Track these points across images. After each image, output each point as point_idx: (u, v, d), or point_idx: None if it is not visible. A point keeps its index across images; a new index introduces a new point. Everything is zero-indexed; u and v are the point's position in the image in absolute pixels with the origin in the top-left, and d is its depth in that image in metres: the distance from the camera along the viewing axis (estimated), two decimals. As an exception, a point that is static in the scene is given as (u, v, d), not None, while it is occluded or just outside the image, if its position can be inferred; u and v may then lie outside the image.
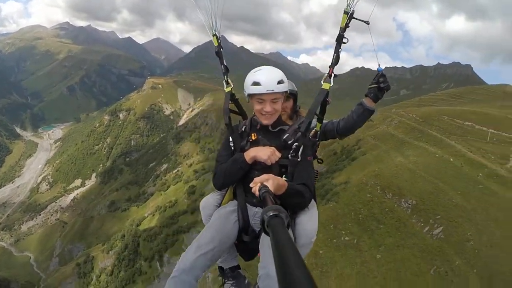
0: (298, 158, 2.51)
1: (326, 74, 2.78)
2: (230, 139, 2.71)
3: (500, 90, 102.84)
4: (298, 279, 0.75)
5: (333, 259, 30.18)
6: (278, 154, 2.46)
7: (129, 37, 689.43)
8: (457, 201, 31.97)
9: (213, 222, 2.56)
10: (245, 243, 2.65)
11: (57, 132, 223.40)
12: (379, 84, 2.85)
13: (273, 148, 2.47)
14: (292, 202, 2.37)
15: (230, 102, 3.03)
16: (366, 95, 2.96)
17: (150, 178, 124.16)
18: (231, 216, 2.60)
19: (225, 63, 3.12)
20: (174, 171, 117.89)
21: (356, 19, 2.66)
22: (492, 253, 25.65)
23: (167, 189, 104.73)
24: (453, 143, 47.43)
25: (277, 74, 2.52)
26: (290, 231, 2.33)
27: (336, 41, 2.73)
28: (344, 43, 2.71)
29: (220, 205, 2.78)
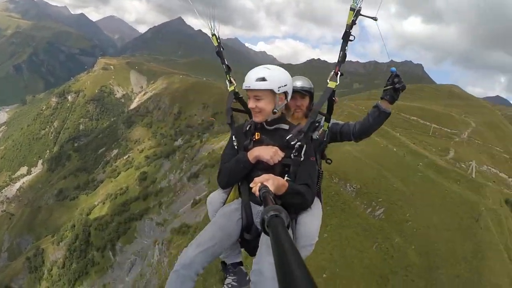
0: (301, 157, 2.53)
1: (332, 73, 2.74)
2: (233, 138, 2.74)
3: (447, 89, 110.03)
4: (298, 279, 0.75)
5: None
6: (281, 154, 2.49)
7: (82, 13, 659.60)
8: (398, 186, 34.67)
9: (216, 219, 2.62)
10: (248, 241, 2.65)
11: (2, 115, 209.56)
12: (394, 85, 2.84)
13: (276, 147, 2.50)
14: (293, 202, 2.40)
15: (234, 101, 3.04)
16: (382, 98, 2.95)
17: (100, 165, 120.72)
18: (235, 214, 2.63)
19: (226, 62, 3.12)
20: (124, 157, 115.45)
21: (364, 15, 2.65)
22: (429, 233, 28.42)
23: (117, 176, 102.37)
24: (397, 135, 50.71)
25: (261, 71, 2.54)
26: (290, 232, 2.42)
27: (342, 38, 2.70)
28: (351, 40, 2.68)
29: (225, 202, 2.82)
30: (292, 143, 2.50)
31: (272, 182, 2.06)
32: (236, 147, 2.71)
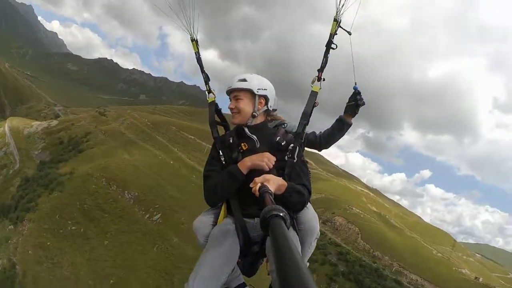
0: (295, 159, 2.53)
1: (315, 77, 2.80)
2: (220, 152, 2.67)
3: (226, 118, 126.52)
4: (298, 279, 0.75)
5: (63, 250, 29.51)
6: (273, 158, 2.45)
7: None
8: (174, 194, 38.44)
9: (212, 245, 2.46)
10: (246, 257, 2.58)
11: None
12: (357, 101, 3.05)
13: (267, 153, 2.47)
14: (293, 202, 2.37)
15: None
16: (345, 112, 3.16)
17: None
18: (230, 235, 2.50)
19: (205, 71, 3.04)
20: None
21: (342, 28, 2.78)
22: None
23: None
24: (175, 150, 55.87)
25: (244, 75, 2.62)
26: (293, 231, 2.45)
27: (325, 46, 2.79)
28: (333, 48, 2.78)
29: (215, 224, 2.68)
30: (283, 144, 2.55)
31: (272, 182, 2.09)
32: (223, 162, 2.62)
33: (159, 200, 36.85)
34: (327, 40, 2.79)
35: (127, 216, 34.50)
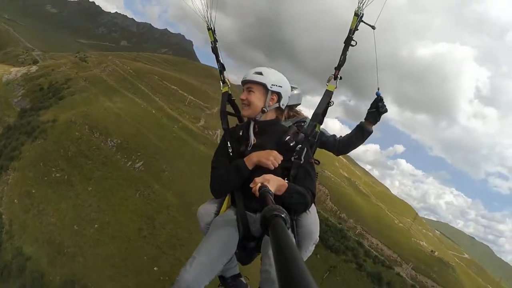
0: (301, 160, 2.49)
1: (331, 76, 2.75)
2: (228, 144, 2.64)
3: (208, 70, 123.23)
4: (297, 279, 0.74)
5: (47, 197, 30.77)
6: (280, 157, 2.41)
7: None
8: (155, 142, 39.51)
9: (211, 233, 2.48)
10: (244, 250, 2.62)
11: None
12: (379, 108, 2.93)
13: (275, 151, 2.43)
14: (293, 203, 2.34)
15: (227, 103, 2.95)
16: (365, 119, 3.04)
17: None
18: (231, 226, 2.52)
19: (221, 60, 3.04)
20: None
21: (364, 22, 2.68)
22: (182, 180, 34.75)
23: None
24: (157, 99, 56.03)
25: (261, 68, 2.58)
26: (290, 233, 1.90)
27: (344, 42, 2.70)
28: (353, 45, 2.70)
29: (218, 213, 2.70)
30: (291, 144, 2.49)
31: (272, 182, 2.07)
32: (230, 153, 2.60)
33: (141, 148, 37.72)
34: (346, 36, 2.67)
35: (110, 163, 35.40)
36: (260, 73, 2.51)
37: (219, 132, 59.58)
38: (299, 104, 3.27)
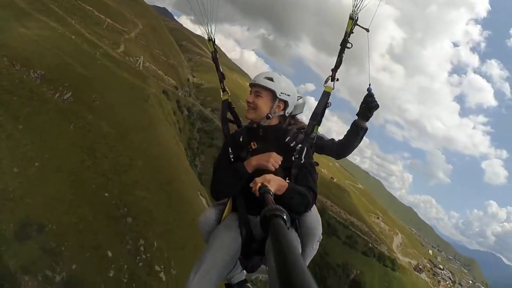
0: (302, 160, 2.50)
1: (329, 77, 2.78)
2: (230, 150, 2.66)
3: None
4: (298, 279, 0.74)
5: (-22, 142, 29.09)
6: (279, 158, 2.45)
7: None
8: (81, 71, 37.74)
9: (214, 241, 2.49)
10: (248, 256, 2.60)
11: None
12: (368, 103, 2.94)
13: (274, 153, 2.46)
14: (294, 203, 2.32)
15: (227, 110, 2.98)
16: (357, 115, 3.05)
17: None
18: (233, 231, 2.54)
19: (221, 69, 3.10)
20: None
21: (359, 25, 2.72)
22: (114, 110, 34.87)
23: None
24: (73, 22, 51.61)
25: (272, 73, 2.61)
26: (294, 233, 2.52)
27: (340, 45, 2.74)
28: (348, 47, 2.74)
29: (220, 220, 2.70)
30: (292, 145, 2.53)
31: (273, 182, 2.09)
32: (232, 159, 2.62)
33: (67, 78, 35.34)
34: (342, 39, 2.73)
35: (37, 97, 33.17)
36: (271, 79, 2.56)
37: (142, 59, 58.84)
38: (301, 113, 3.33)
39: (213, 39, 3.10)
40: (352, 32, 2.73)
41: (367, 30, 2.75)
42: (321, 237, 2.64)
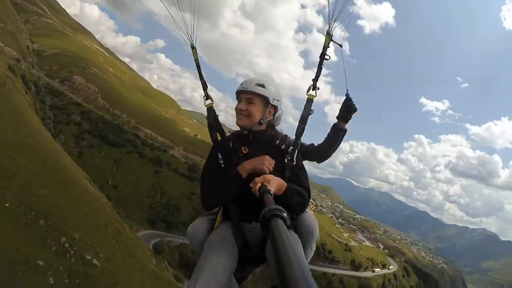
0: (294, 162, 2.53)
1: (310, 86, 2.82)
2: (219, 156, 2.61)
3: None
4: (298, 279, 0.73)
5: None
6: (273, 161, 2.45)
7: None
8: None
9: (210, 251, 2.36)
10: (242, 265, 2.52)
11: None
12: (348, 107, 3.10)
13: (267, 156, 2.46)
14: (293, 203, 2.33)
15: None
16: (337, 118, 3.19)
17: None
18: (227, 240, 2.44)
19: (204, 77, 3.08)
20: None
21: (333, 41, 2.89)
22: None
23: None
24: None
25: (260, 79, 2.64)
26: (294, 233, 2.45)
27: (319, 57, 2.88)
28: (327, 59, 2.88)
29: (211, 229, 2.61)
30: (283, 147, 2.57)
31: (273, 182, 2.07)
32: (222, 165, 2.57)
33: None
34: (321, 51, 2.88)
35: None
36: (263, 86, 2.57)
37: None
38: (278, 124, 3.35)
39: (195, 47, 3.10)
40: (329, 46, 2.89)
41: (341, 45, 2.97)
42: (318, 237, 2.63)
